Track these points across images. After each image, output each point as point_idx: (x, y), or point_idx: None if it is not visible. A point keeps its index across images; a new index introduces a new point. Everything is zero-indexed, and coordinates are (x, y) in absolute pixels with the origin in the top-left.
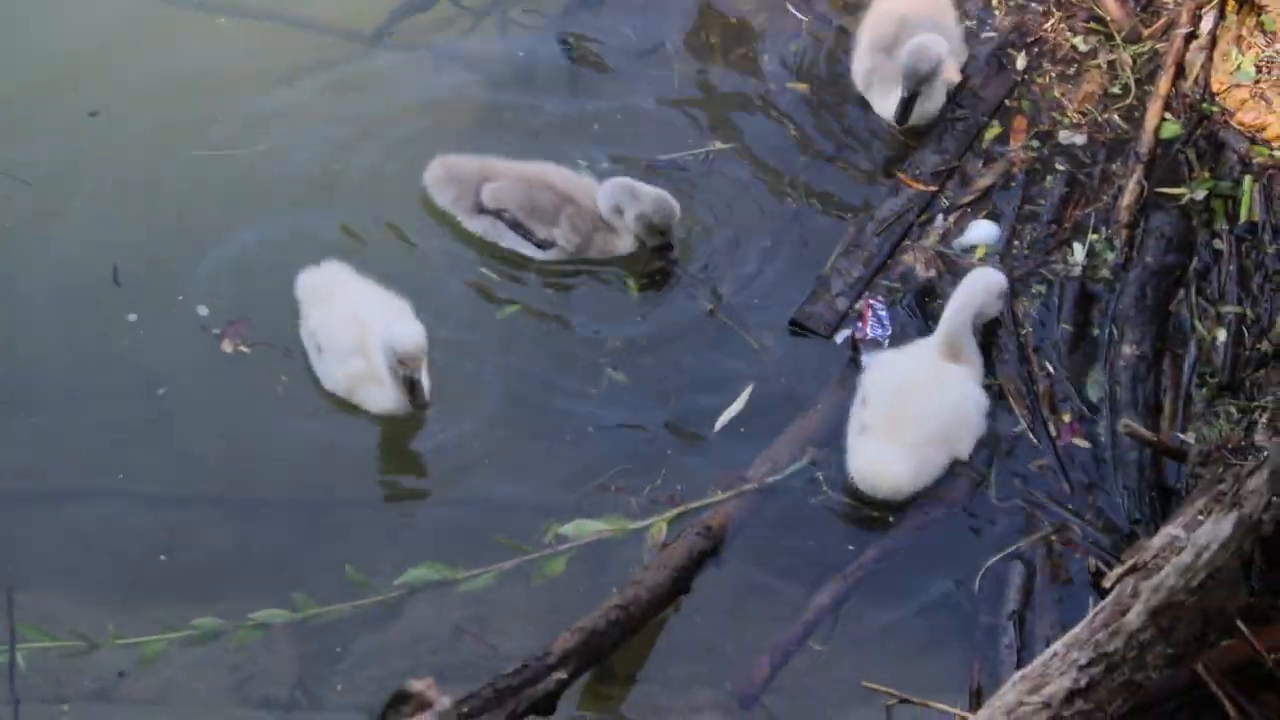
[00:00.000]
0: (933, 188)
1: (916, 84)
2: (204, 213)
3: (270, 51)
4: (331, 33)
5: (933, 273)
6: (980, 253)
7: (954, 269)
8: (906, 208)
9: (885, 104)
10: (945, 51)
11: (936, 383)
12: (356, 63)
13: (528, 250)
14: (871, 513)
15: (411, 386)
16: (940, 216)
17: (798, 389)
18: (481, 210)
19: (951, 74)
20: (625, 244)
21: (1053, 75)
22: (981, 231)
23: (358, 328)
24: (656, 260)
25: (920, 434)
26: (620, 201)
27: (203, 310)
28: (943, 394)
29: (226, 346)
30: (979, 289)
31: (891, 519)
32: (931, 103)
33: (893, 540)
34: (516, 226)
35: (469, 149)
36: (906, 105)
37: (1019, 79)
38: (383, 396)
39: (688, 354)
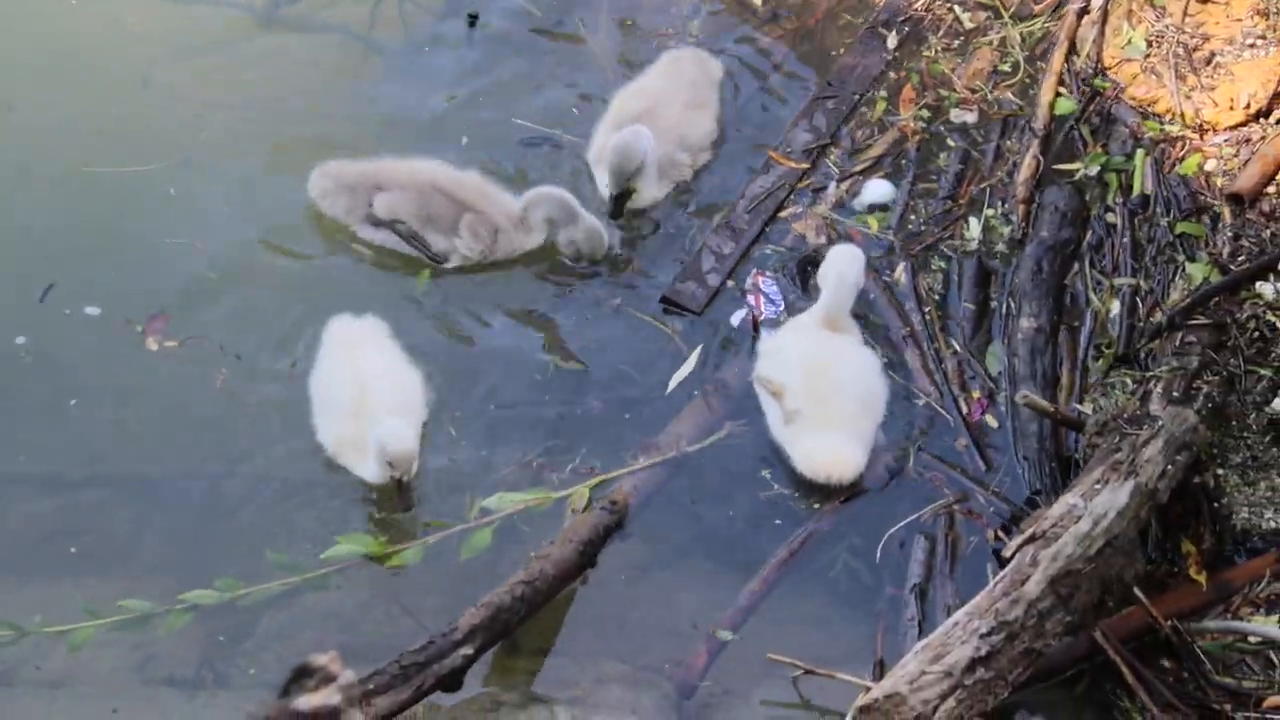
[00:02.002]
0: (804, 165)
1: (623, 181)
2: (85, 213)
3: (146, 28)
4: (220, 4)
5: (823, 239)
6: (874, 225)
7: (845, 236)
8: (778, 185)
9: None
10: (649, 145)
11: (838, 356)
12: (245, 44)
13: (426, 260)
14: (785, 490)
15: (400, 487)
16: (832, 184)
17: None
18: (376, 222)
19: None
20: (533, 241)
21: (939, 50)
22: (878, 190)
23: (357, 391)
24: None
25: (848, 409)
26: (554, 216)
27: (93, 310)
28: (848, 365)
29: (152, 344)
30: (854, 264)
31: (817, 504)
32: (653, 190)
33: (817, 519)
34: (412, 239)
35: (366, 130)
36: (618, 201)
37: (891, 58)
38: (367, 468)
39: (613, 340)
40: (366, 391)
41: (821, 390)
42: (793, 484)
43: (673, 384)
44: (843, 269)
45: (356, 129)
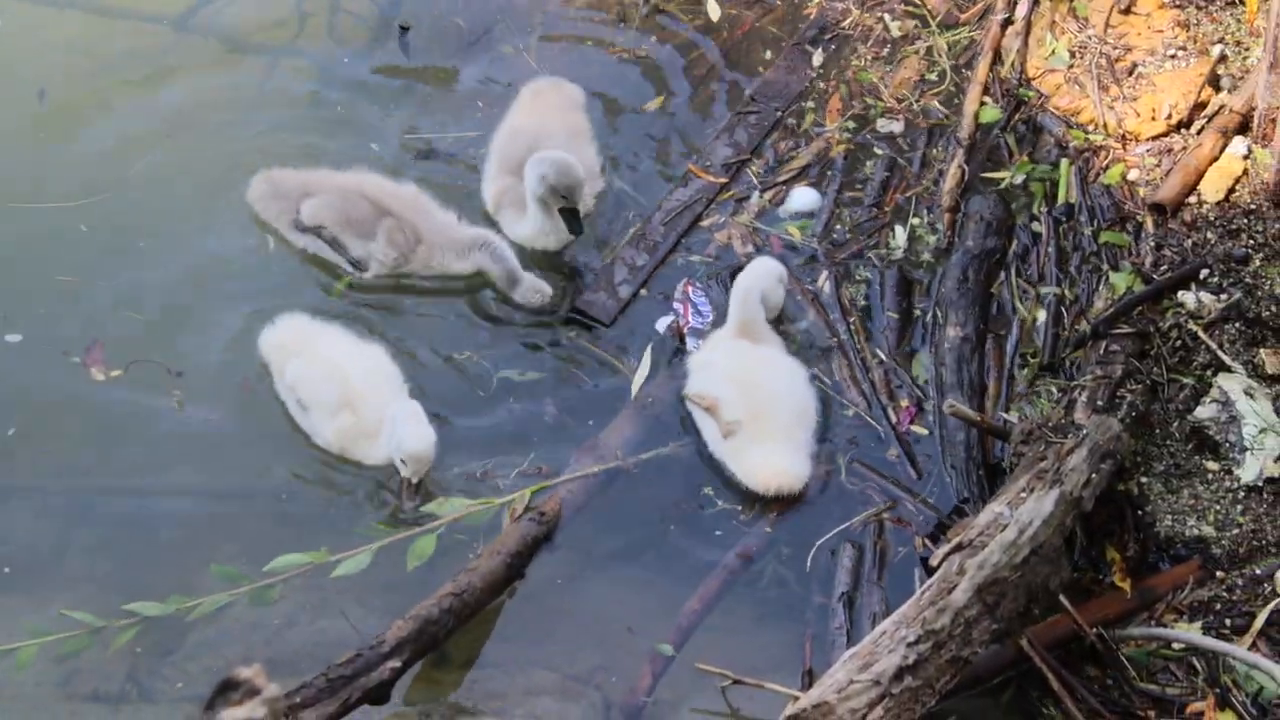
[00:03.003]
0: (723, 179)
1: (571, 194)
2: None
3: (61, 37)
4: (133, 18)
5: (750, 248)
6: (797, 234)
7: (770, 245)
8: (694, 199)
9: (517, 227)
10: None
11: (766, 368)
12: (162, 52)
13: (347, 267)
14: (717, 502)
15: (415, 489)
16: (755, 193)
17: None
18: (303, 228)
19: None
20: (460, 267)
21: (868, 60)
22: (804, 198)
23: (341, 382)
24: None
25: (783, 420)
26: (492, 272)
27: (13, 338)
28: (778, 376)
29: (97, 374)
30: (759, 273)
31: (746, 514)
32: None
33: (753, 535)
34: (334, 244)
35: (285, 139)
36: (572, 216)
37: (815, 74)
38: (377, 450)
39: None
40: (347, 380)
41: (755, 403)
42: (727, 497)
43: (635, 388)
44: (749, 282)
45: (268, 141)
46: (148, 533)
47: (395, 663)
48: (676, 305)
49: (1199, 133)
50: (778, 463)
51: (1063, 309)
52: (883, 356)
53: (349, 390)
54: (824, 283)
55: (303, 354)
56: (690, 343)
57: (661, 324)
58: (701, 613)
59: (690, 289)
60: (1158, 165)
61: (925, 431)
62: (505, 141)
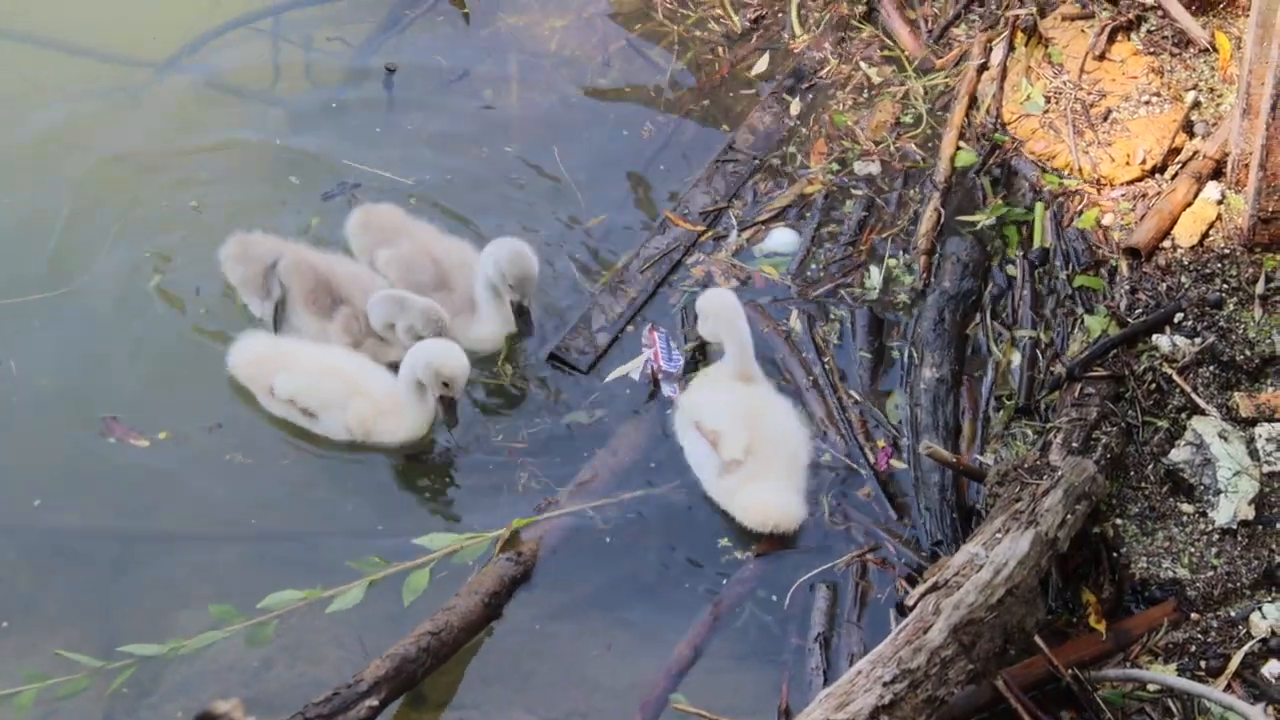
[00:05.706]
0: (700, 227)
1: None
2: None
3: (45, 80)
4: (115, 61)
5: (733, 284)
6: (772, 272)
7: (753, 281)
8: (672, 246)
9: (471, 331)
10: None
11: (763, 406)
12: (144, 96)
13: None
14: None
15: (449, 405)
16: (734, 233)
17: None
18: (267, 294)
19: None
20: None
21: (846, 106)
22: (781, 239)
23: (341, 375)
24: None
25: (780, 458)
26: (389, 315)
27: None
28: (774, 415)
29: (140, 441)
30: (740, 310)
31: (741, 553)
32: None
33: (735, 575)
34: (278, 307)
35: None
36: (524, 312)
37: (793, 124)
38: (396, 426)
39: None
40: (345, 373)
41: (756, 441)
42: (710, 537)
43: (612, 375)
44: (734, 319)
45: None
46: (128, 574)
47: (373, 701)
48: (646, 350)
49: (1173, 178)
50: (775, 500)
51: (1038, 352)
52: (856, 396)
53: (351, 380)
54: (795, 321)
55: (287, 366)
56: (666, 388)
57: (636, 371)
58: (692, 657)
59: (655, 334)
60: (1132, 210)
61: (904, 465)
62: (406, 270)
